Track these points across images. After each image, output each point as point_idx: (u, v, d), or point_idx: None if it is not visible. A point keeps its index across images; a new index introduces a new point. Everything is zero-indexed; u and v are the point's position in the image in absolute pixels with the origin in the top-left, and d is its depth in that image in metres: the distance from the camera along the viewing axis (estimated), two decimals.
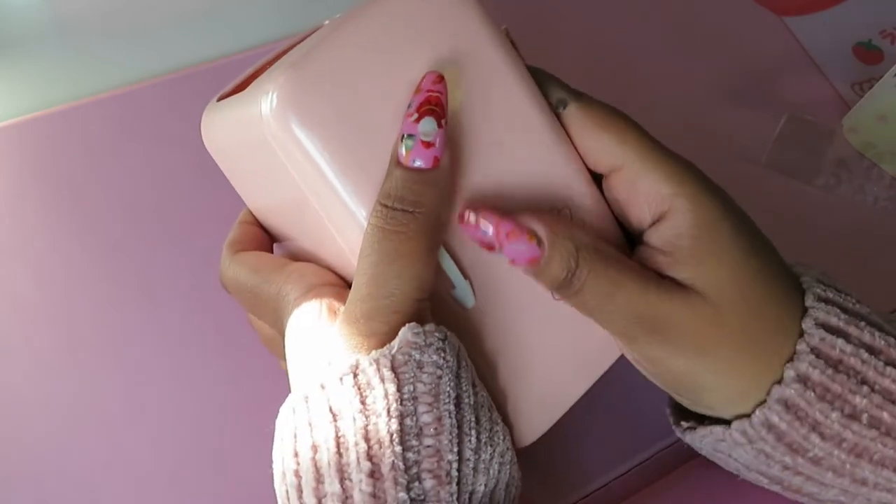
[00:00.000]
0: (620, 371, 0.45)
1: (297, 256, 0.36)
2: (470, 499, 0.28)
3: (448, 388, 0.27)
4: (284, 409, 0.29)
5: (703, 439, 0.33)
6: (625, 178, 0.32)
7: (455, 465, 0.27)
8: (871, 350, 0.30)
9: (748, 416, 0.31)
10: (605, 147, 0.32)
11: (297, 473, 0.27)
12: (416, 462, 0.26)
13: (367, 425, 0.26)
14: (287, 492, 0.28)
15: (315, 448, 0.27)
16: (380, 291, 0.28)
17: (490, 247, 0.30)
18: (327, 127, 0.29)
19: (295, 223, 0.34)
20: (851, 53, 0.65)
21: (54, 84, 0.57)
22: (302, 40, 0.33)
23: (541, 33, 0.64)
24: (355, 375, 0.27)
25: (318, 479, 0.27)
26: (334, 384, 0.27)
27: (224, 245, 0.36)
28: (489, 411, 0.29)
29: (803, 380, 0.30)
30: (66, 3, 0.56)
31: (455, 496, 0.27)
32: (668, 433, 0.43)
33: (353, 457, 0.26)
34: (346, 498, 0.26)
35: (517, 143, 0.32)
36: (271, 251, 0.37)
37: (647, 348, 0.31)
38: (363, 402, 0.27)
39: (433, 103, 0.28)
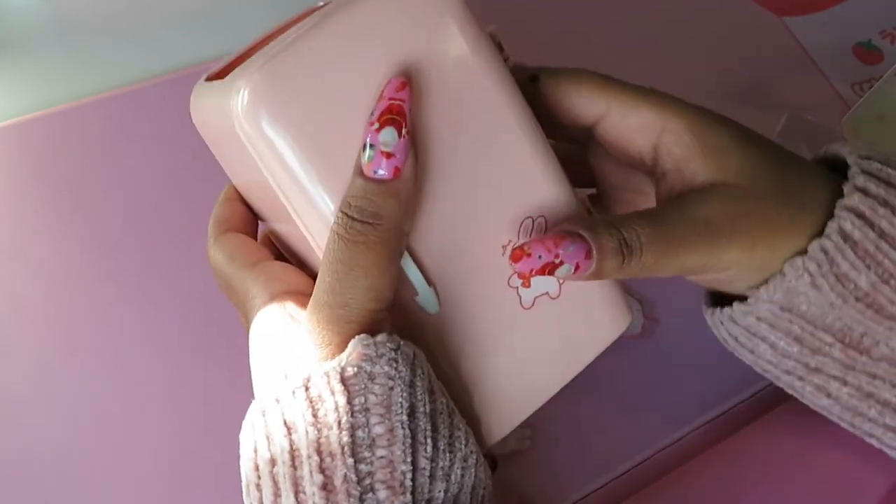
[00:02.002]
0: (620, 371, 0.45)
1: (274, 235, 0.36)
2: None
3: (400, 399, 0.27)
4: (245, 424, 0.29)
5: (755, 306, 0.33)
6: (615, 122, 0.33)
7: (409, 475, 0.27)
8: None
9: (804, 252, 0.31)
10: (586, 100, 0.33)
11: (258, 487, 0.28)
12: (370, 473, 0.26)
13: (319, 438, 0.26)
14: None
15: (273, 462, 0.27)
16: (336, 300, 0.28)
17: (553, 268, 0.30)
18: (296, 126, 0.29)
19: (268, 207, 0.35)
20: (851, 53, 0.65)
21: (54, 84, 0.57)
22: (297, 20, 0.33)
23: (539, 33, 0.64)
24: (307, 388, 0.27)
25: (276, 492, 0.27)
26: (288, 397, 0.28)
27: (209, 222, 0.36)
28: (449, 417, 0.29)
29: (844, 235, 0.31)
30: (66, 3, 0.56)
31: None
32: (668, 433, 0.43)
33: (306, 470, 0.26)
34: None
35: (493, 149, 0.32)
36: (255, 229, 0.36)
37: (695, 260, 0.32)
38: (315, 416, 0.27)
39: (394, 112, 0.28)
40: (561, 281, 0.33)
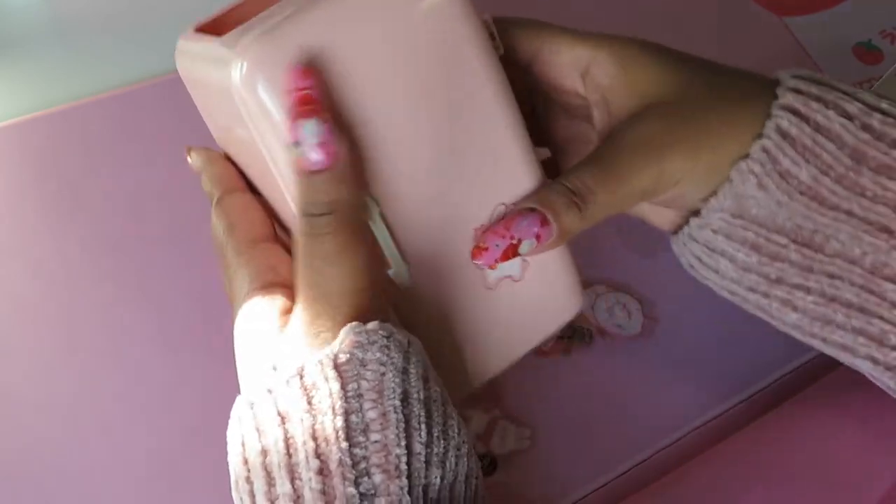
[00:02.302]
0: (620, 371, 0.45)
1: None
2: (426, 492, 0.28)
3: (392, 385, 0.27)
4: (232, 419, 0.29)
5: (709, 217, 0.34)
6: (548, 60, 0.35)
7: (404, 459, 0.27)
8: (847, 115, 0.32)
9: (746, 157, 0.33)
10: (520, 37, 0.35)
11: (248, 480, 0.28)
12: (364, 458, 0.27)
13: (314, 424, 0.27)
14: (241, 499, 0.28)
15: (265, 452, 0.27)
16: (320, 293, 0.29)
17: (514, 250, 0.32)
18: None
19: (250, 164, 0.35)
20: (851, 53, 0.65)
21: (54, 84, 0.57)
22: None
23: None
24: (301, 377, 0.28)
25: (270, 482, 0.27)
26: (281, 387, 0.28)
27: (203, 181, 0.36)
28: (443, 406, 0.29)
29: (782, 132, 0.32)
30: (66, 3, 0.56)
31: (406, 489, 0.27)
32: (668, 433, 0.43)
33: (301, 456, 0.27)
34: (298, 497, 0.26)
35: (476, 135, 0.33)
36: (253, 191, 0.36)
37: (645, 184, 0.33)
38: (310, 403, 0.27)
39: (305, 102, 0.28)
40: (527, 260, 0.35)
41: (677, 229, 0.37)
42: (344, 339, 0.28)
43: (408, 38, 0.31)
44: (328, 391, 0.27)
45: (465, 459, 0.29)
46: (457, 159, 0.33)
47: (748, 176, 0.32)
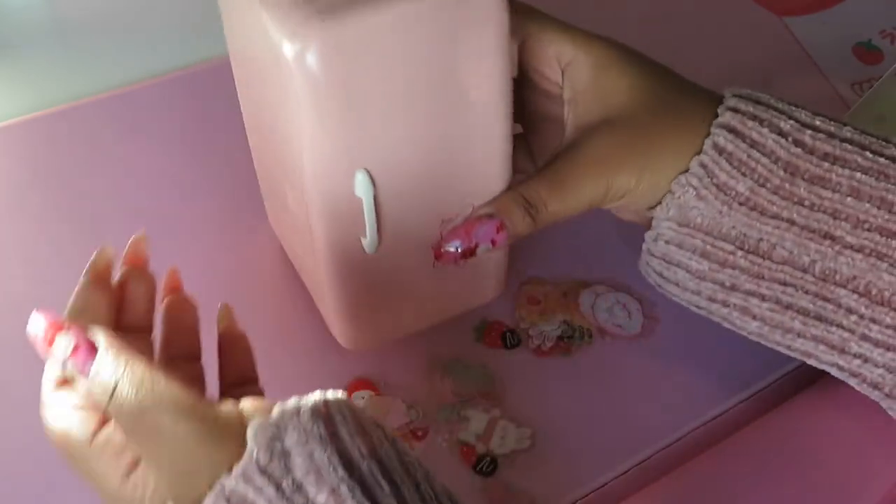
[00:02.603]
0: (620, 371, 0.45)
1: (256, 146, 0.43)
2: None
3: (325, 457, 0.25)
4: None
5: (658, 227, 0.37)
6: (536, 46, 0.38)
7: None
8: (781, 132, 0.35)
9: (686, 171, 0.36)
10: (514, 21, 0.35)
11: None
12: None
13: None
14: None
15: None
16: (184, 429, 0.27)
17: (472, 252, 0.36)
18: (341, 86, 0.32)
19: (263, 116, 0.39)
20: (851, 53, 0.65)
21: (54, 84, 0.57)
22: None
23: None
24: (228, 500, 0.25)
25: None
26: None
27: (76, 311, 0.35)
28: (392, 445, 0.27)
29: (718, 149, 0.35)
30: (66, 3, 0.56)
31: None
32: (668, 433, 0.43)
33: None
34: None
35: (473, 144, 0.36)
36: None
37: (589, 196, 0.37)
38: None
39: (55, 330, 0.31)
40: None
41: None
42: (255, 440, 0.26)
43: (442, 48, 0.33)
44: (267, 500, 0.25)
45: (437, 480, 0.28)
46: (448, 156, 0.36)
47: (687, 188, 0.35)
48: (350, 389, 0.43)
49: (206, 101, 0.55)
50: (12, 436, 0.42)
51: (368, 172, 0.35)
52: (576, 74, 0.37)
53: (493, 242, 0.36)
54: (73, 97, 0.56)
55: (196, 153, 0.53)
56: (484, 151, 0.37)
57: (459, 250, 0.36)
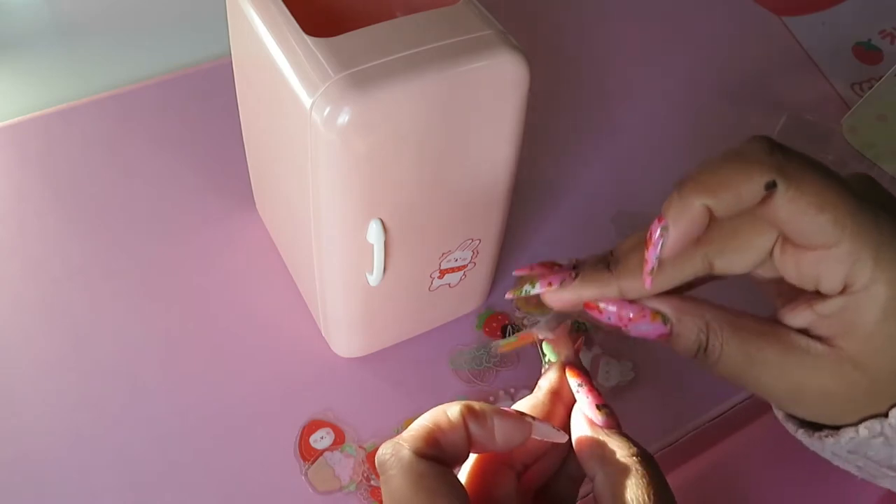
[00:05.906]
0: (620, 371, 0.45)
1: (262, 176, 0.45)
2: None
3: None
4: None
5: (842, 440, 0.32)
6: (831, 255, 0.29)
7: None
8: None
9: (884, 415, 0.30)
10: (819, 228, 0.29)
11: None
12: None
13: None
14: None
15: None
16: None
17: (616, 328, 0.30)
18: (366, 148, 0.33)
19: (279, 160, 0.40)
20: (851, 53, 0.65)
21: (54, 84, 0.57)
22: None
23: (540, 32, 0.64)
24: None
25: None
26: None
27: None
28: None
29: None
30: (66, 3, 0.56)
31: None
32: (668, 432, 0.43)
33: None
34: None
35: (476, 187, 0.38)
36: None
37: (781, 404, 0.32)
38: None
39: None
40: (465, 275, 0.44)
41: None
42: None
43: (465, 113, 0.34)
44: None
45: None
46: (453, 198, 0.38)
47: (879, 435, 0.31)
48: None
49: (207, 101, 0.55)
50: (12, 436, 0.42)
51: (382, 221, 0.36)
52: (856, 306, 0.30)
53: (647, 335, 0.31)
54: (73, 97, 0.56)
55: (196, 153, 0.53)
56: (486, 196, 0.39)
57: (608, 320, 0.31)
